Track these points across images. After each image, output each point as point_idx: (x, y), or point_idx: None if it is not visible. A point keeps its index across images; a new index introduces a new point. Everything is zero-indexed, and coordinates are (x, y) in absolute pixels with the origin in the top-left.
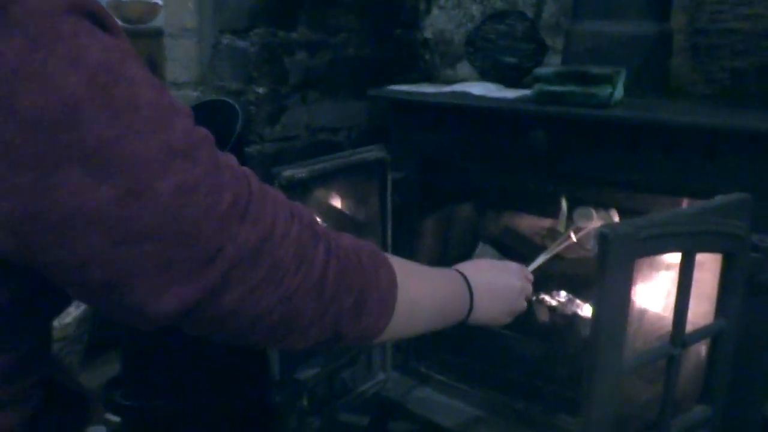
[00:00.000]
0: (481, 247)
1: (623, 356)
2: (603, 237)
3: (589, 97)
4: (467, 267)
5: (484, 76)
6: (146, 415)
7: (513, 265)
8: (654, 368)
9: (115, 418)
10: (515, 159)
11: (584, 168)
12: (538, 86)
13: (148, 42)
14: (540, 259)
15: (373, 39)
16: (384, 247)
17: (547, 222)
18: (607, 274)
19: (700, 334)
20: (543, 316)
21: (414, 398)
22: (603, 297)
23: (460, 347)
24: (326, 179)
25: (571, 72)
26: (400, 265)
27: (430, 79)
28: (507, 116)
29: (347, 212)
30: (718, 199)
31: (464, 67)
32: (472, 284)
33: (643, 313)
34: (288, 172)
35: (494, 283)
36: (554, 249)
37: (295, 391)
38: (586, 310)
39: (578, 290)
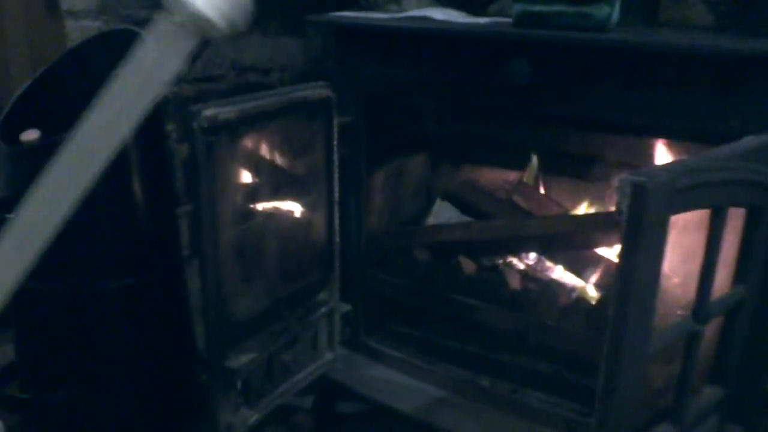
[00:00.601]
0: (439, 204)
1: (651, 334)
2: (638, 187)
3: (583, 18)
4: None
5: (442, 1)
6: (48, 409)
7: None
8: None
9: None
10: (487, 98)
11: (572, 108)
12: (519, 6)
13: None
14: None
15: None
16: (329, 207)
17: (511, 175)
18: (643, 234)
19: (720, 306)
20: (513, 283)
21: (364, 378)
22: (635, 263)
23: (416, 318)
24: (259, 122)
25: None
26: None
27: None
28: (480, 44)
29: (284, 165)
30: (747, 141)
31: (411, 3)
32: None
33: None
34: (210, 111)
35: None
36: None
37: (227, 381)
38: (558, 273)
39: (551, 252)
